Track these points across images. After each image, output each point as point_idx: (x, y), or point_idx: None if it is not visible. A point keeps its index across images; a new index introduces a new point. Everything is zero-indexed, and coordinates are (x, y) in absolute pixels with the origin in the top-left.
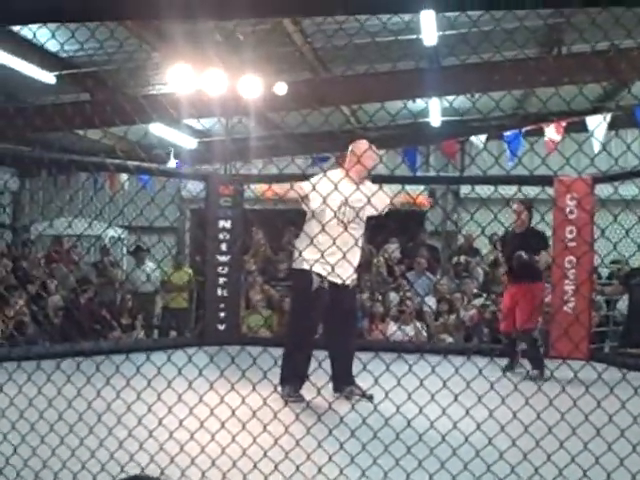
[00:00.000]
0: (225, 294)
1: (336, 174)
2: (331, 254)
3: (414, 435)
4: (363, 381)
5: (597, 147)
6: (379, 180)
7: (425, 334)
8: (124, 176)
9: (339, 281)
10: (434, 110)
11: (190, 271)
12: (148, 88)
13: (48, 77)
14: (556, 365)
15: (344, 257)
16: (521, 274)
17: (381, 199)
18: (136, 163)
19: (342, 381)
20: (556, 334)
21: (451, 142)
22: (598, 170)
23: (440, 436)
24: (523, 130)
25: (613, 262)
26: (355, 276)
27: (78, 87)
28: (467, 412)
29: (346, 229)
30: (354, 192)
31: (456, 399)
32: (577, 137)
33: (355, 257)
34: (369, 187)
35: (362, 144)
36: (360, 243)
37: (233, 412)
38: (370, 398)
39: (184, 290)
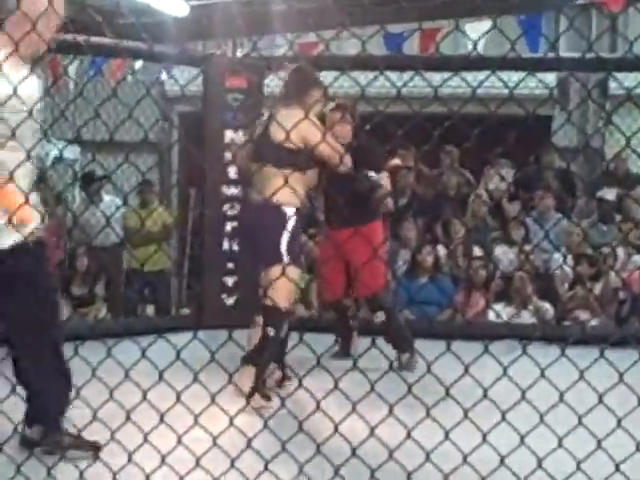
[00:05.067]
0: (235, 247)
1: None
2: None
3: None
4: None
5: None
6: (491, 64)
7: (552, 313)
8: (74, 62)
9: None
10: None
11: (165, 212)
12: None
13: None
14: None
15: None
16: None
17: None
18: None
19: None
20: None
21: None
22: None
23: None
24: None
25: None
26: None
27: None
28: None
29: None
30: None
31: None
32: None
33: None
34: None
35: None
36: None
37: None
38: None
39: (156, 242)
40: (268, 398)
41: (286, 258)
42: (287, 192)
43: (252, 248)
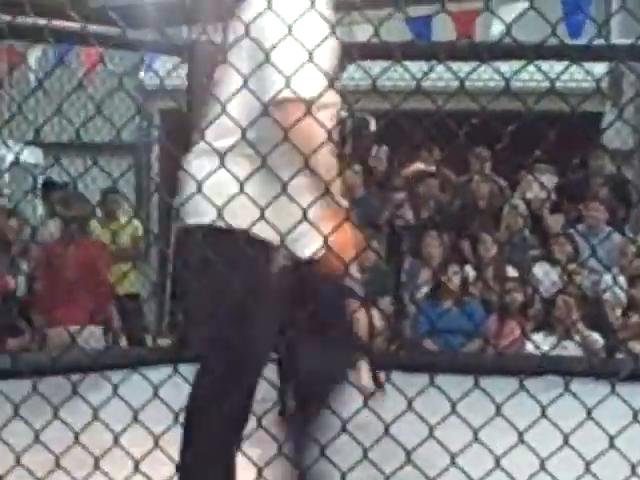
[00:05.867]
0: None
1: None
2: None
3: None
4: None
5: None
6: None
7: (602, 343)
8: (35, 51)
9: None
10: None
11: (137, 223)
12: None
13: None
14: None
15: None
16: None
17: None
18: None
19: None
20: None
21: None
22: None
23: None
24: None
25: None
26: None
27: None
28: None
29: None
30: None
31: None
32: None
33: None
34: None
35: None
36: None
37: None
38: None
39: (125, 260)
40: None
41: None
42: None
43: None
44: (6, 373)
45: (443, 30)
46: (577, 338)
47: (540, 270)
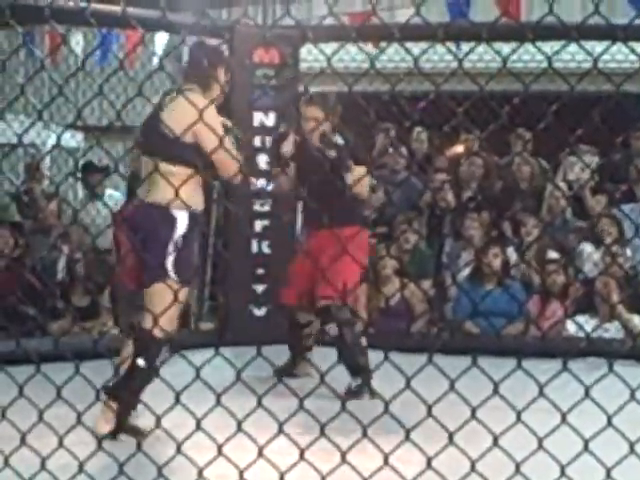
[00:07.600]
0: (266, 250)
1: None
2: None
3: None
4: None
5: None
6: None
7: None
8: (76, 37)
9: None
10: None
11: None
12: None
13: None
14: None
15: None
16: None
17: None
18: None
19: None
20: None
21: None
22: None
23: None
24: None
25: None
26: None
27: None
28: None
29: None
30: None
31: None
32: None
33: None
34: None
35: None
36: None
37: None
38: None
39: None
40: (139, 433)
41: (172, 274)
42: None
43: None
44: (48, 356)
45: (483, 12)
46: (618, 321)
47: (583, 251)
